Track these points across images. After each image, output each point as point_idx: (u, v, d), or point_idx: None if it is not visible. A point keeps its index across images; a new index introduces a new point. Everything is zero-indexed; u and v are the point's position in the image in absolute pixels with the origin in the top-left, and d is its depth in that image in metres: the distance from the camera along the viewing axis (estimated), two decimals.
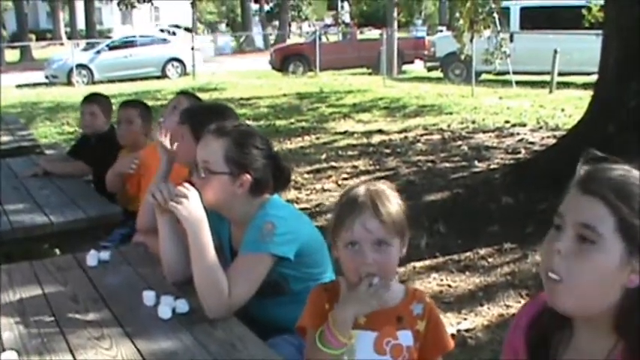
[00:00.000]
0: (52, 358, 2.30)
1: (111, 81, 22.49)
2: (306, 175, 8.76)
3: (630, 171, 1.56)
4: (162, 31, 36.75)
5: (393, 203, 2.08)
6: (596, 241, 1.51)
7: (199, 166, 2.72)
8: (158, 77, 24.43)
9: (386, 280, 2.06)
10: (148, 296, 2.69)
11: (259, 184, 2.74)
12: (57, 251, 4.76)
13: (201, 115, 3.41)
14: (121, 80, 22.67)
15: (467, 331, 4.53)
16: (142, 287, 2.78)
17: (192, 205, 2.57)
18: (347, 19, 53.09)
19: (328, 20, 56.95)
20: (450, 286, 5.28)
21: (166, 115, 4.01)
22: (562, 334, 1.67)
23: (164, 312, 2.56)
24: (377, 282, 2.02)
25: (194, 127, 3.32)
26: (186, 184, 2.65)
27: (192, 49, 24.47)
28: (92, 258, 3.16)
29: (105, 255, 3.21)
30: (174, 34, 35.38)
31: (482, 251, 5.86)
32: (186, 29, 42.63)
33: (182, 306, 2.60)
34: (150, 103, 5.39)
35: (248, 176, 2.70)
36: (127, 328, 2.50)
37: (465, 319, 4.72)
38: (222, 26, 60.74)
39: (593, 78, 7.85)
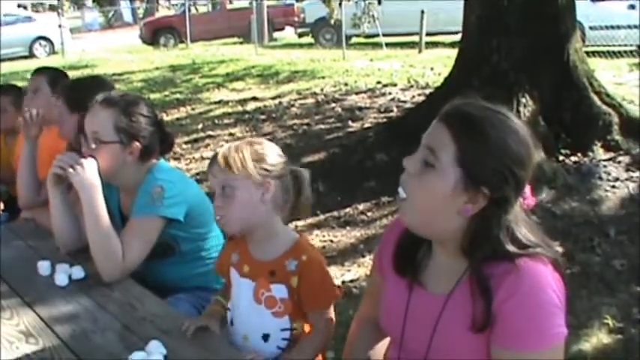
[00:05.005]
0: None
1: None
2: (184, 146, 8.80)
3: (492, 110, 1.64)
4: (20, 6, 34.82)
5: (245, 151, 2.25)
6: (435, 165, 1.62)
7: (88, 137, 2.77)
8: (25, 57, 23.55)
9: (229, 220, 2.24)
10: (43, 266, 2.76)
11: (147, 150, 2.84)
12: None
13: (77, 89, 3.49)
14: None
15: (351, 281, 4.77)
16: (37, 259, 2.84)
17: (87, 173, 2.65)
18: None
19: None
20: (332, 241, 5.51)
21: (30, 101, 3.92)
22: (425, 252, 1.81)
23: (61, 279, 2.65)
24: None
25: (70, 101, 3.39)
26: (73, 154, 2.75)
27: (60, 26, 23.70)
28: None
29: None
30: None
31: (361, 206, 6.12)
32: (51, 6, 41.03)
33: (78, 272, 2.69)
34: (19, 84, 5.25)
35: (137, 144, 2.79)
36: (26, 298, 2.57)
37: (349, 270, 4.96)
38: (89, 2, 58.83)
39: (460, 37, 8.12)
